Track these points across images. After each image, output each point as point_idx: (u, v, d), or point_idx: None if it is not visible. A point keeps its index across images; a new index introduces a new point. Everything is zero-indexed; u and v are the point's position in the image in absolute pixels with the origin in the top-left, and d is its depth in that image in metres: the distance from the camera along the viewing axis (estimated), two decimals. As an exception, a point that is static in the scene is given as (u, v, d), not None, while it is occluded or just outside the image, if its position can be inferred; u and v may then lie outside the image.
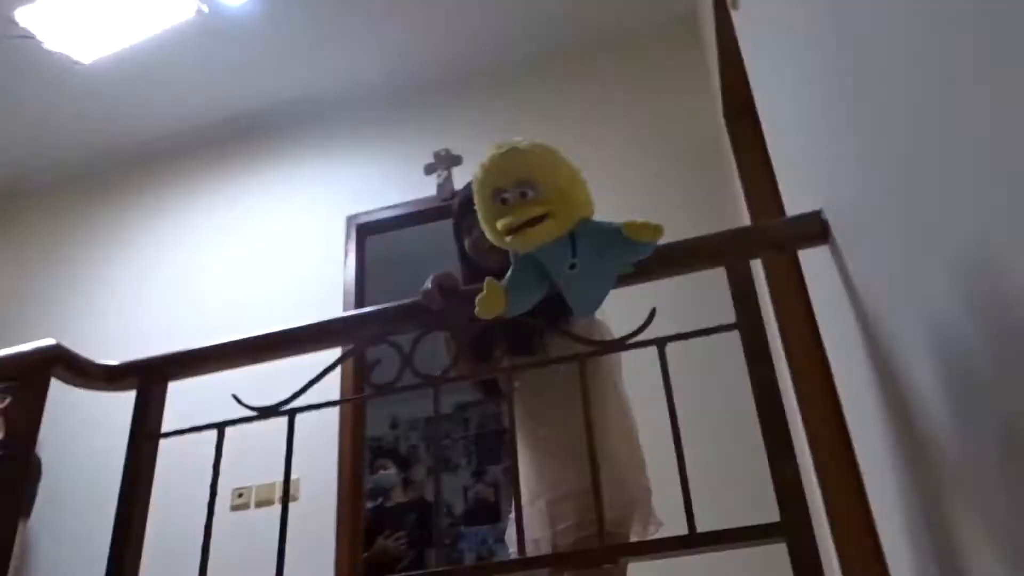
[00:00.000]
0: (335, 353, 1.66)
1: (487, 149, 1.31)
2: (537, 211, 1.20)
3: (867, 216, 1.22)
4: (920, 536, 1.25)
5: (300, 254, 3.77)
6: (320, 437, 3.24)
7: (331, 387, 3.20)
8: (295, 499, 3.19)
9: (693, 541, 1.28)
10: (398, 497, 4.66)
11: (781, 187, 1.94)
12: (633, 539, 1.52)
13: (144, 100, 4.00)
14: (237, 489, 3.25)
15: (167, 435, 1.66)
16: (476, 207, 1.28)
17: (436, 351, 1.72)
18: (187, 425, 1.64)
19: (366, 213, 3.75)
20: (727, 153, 3.28)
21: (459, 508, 7.07)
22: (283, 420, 1.63)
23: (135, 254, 4.11)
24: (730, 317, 1.39)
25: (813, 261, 1.67)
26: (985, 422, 0.85)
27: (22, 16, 3.22)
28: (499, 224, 1.22)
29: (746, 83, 2.89)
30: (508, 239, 1.23)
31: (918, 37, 0.86)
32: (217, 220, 4.03)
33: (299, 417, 1.77)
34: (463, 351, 1.53)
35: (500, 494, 7.06)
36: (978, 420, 0.87)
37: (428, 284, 1.56)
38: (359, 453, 3.25)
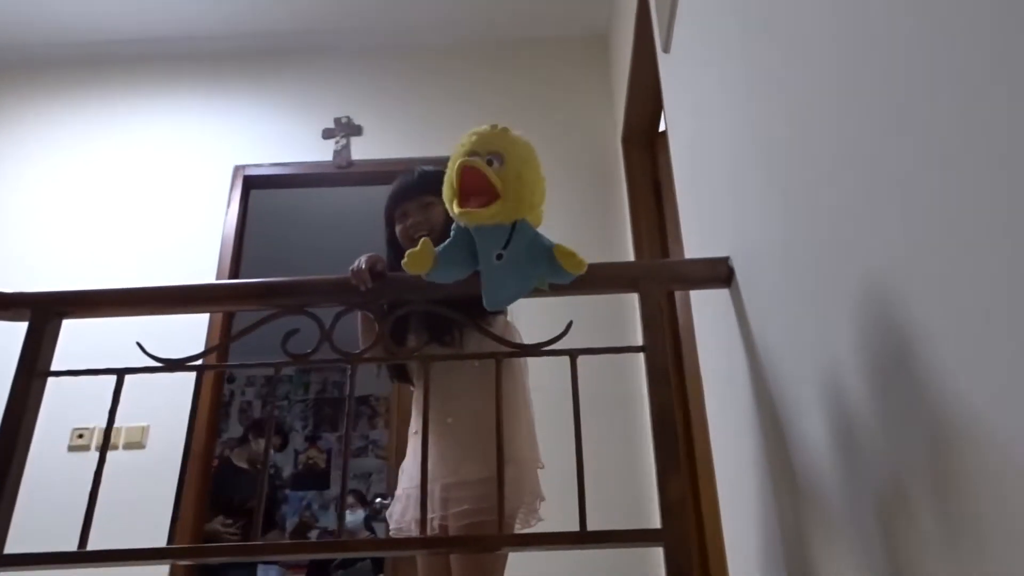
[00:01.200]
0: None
1: (426, 92, 1.39)
2: (495, 179, 1.28)
3: (768, 266, 1.40)
4: (774, 552, 1.45)
5: (181, 196, 3.59)
6: (173, 385, 3.13)
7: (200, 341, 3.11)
8: (142, 447, 3.08)
9: (585, 538, 1.42)
10: (239, 461, 4.56)
11: (683, 222, 2.12)
12: (518, 530, 1.64)
13: (23, 5, 3.65)
14: (77, 429, 3.09)
15: (58, 374, 1.60)
16: (448, 166, 1.34)
17: (347, 327, 1.76)
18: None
19: (255, 165, 3.63)
20: (619, 173, 3.48)
21: (287, 471, 6.99)
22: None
23: (17, 168, 3.75)
24: (623, 338, 1.55)
25: (706, 299, 1.86)
26: (858, 469, 1.03)
27: None
28: (457, 159, 1.29)
29: (651, 115, 3.10)
30: (457, 210, 1.30)
31: (839, 115, 1.02)
32: (95, 146, 3.74)
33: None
34: (382, 334, 1.58)
35: (331, 462, 7.04)
36: (852, 465, 1.05)
37: (360, 264, 1.60)
38: (215, 408, 3.18)
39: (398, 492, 1.78)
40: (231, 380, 7.17)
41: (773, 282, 1.38)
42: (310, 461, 7.05)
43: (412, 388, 1.83)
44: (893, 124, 0.87)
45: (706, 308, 1.86)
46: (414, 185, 1.82)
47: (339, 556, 3.82)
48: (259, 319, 1.62)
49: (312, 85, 3.89)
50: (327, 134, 3.68)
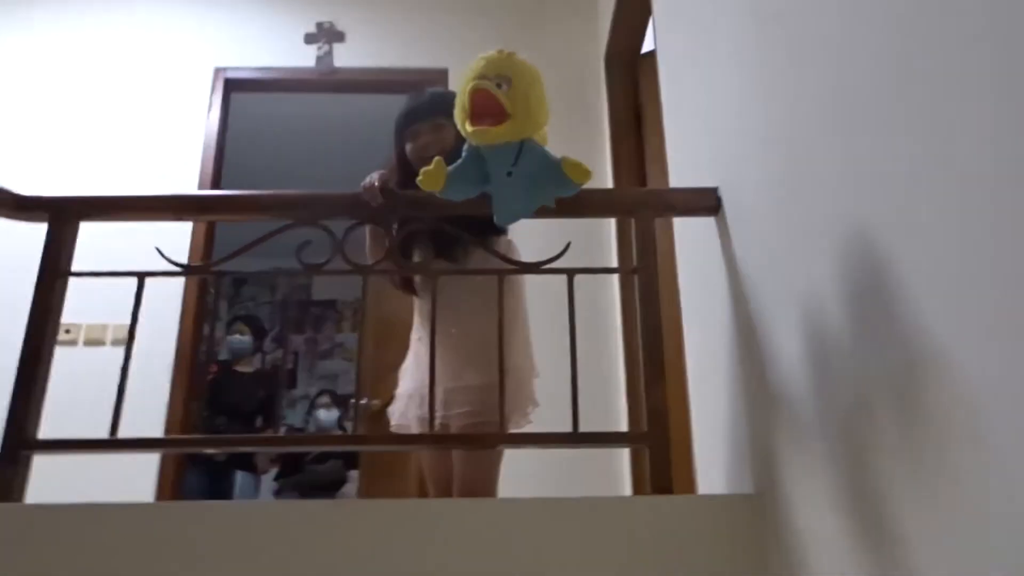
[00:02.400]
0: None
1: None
2: (504, 101, 1.38)
3: (758, 198, 1.52)
4: (740, 452, 1.62)
5: (160, 98, 3.52)
6: (165, 287, 3.20)
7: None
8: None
9: (578, 438, 1.58)
10: (245, 366, 4.67)
11: (669, 147, 2.21)
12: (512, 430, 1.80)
13: None
14: (64, 325, 3.13)
15: (80, 274, 1.68)
16: (459, 92, 1.43)
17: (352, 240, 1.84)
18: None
19: (236, 68, 3.59)
20: (599, 94, 3.52)
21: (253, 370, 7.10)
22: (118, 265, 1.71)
23: None
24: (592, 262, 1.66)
25: (688, 225, 1.98)
26: (828, 385, 1.18)
27: None
28: (468, 84, 1.39)
29: (636, 33, 3.13)
30: (469, 129, 1.41)
31: (836, 38, 1.12)
32: (74, 42, 3.62)
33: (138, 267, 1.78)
34: (391, 248, 1.68)
35: (299, 363, 7.17)
36: (823, 381, 1.20)
37: (371, 180, 1.68)
38: (202, 308, 3.26)
39: (399, 392, 1.92)
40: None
41: (762, 213, 1.50)
42: (277, 363, 7.15)
43: (416, 298, 1.94)
44: (894, 72, 0.98)
45: (688, 234, 1.99)
46: (426, 106, 1.89)
47: (341, 449, 3.97)
48: (276, 228, 1.70)
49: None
50: (309, 39, 3.64)
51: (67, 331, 3.14)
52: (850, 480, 1.11)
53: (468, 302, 1.77)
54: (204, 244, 3.19)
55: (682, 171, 2.07)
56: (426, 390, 1.64)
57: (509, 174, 1.47)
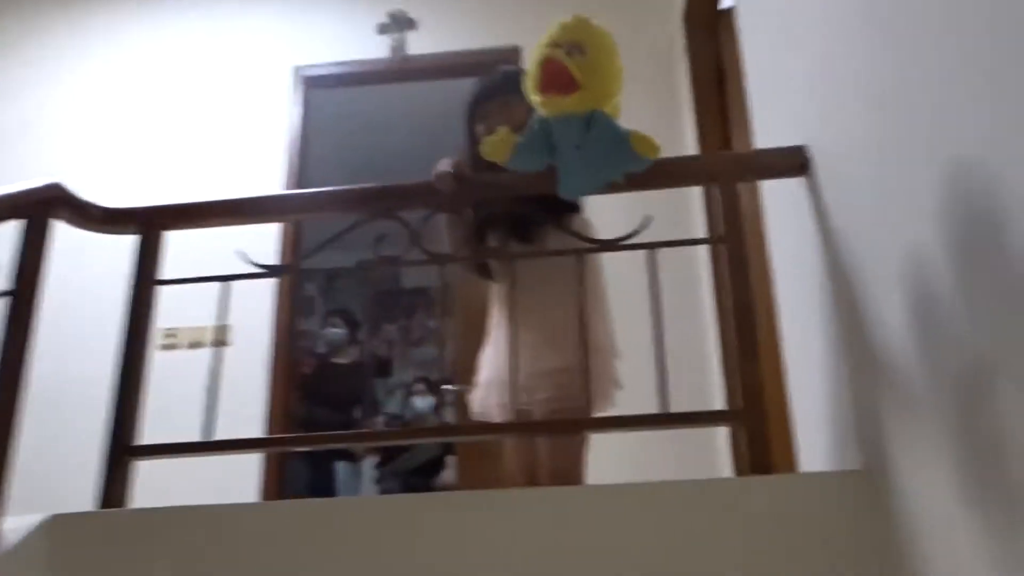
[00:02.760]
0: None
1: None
2: (575, 70, 1.33)
3: (849, 154, 1.41)
4: (844, 422, 1.52)
5: (242, 98, 3.62)
6: (255, 286, 3.28)
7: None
8: (228, 344, 3.26)
9: (669, 419, 1.52)
10: (342, 357, 4.81)
11: (754, 107, 2.09)
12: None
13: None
14: (166, 331, 3.27)
15: (170, 282, 1.72)
16: (531, 59, 1.39)
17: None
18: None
19: (313, 66, 3.64)
20: (678, 58, 3.40)
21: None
22: (214, 267, 1.71)
23: (69, 75, 3.81)
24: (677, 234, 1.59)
25: (776, 189, 1.87)
26: (940, 348, 1.08)
27: None
28: (540, 52, 1.35)
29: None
30: (537, 99, 1.36)
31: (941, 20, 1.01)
32: (158, 52, 3.77)
33: (233, 268, 1.81)
34: (466, 234, 1.65)
35: (394, 351, 7.31)
36: (934, 344, 1.10)
37: (443, 167, 1.65)
38: (293, 304, 3.33)
39: (480, 379, 1.89)
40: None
41: (855, 170, 1.39)
42: (373, 351, 7.32)
43: (495, 283, 1.91)
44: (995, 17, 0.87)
45: (777, 197, 1.88)
46: (496, 85, 1.85)
47: (438, 440, 4.01)
48: (350, 223, 1.70)
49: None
50: (382, 29, 3.65)
51: (170, 335, 3.28)
52: (969, 452, 1.01)
53: (545, 284, 1.72)
54: (293, 240, 3.25)
55: (768, 131, 1.96)
56: (506, 376, 1.61)
57: (577, 147, 1.42)
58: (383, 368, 7.26)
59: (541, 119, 1.44)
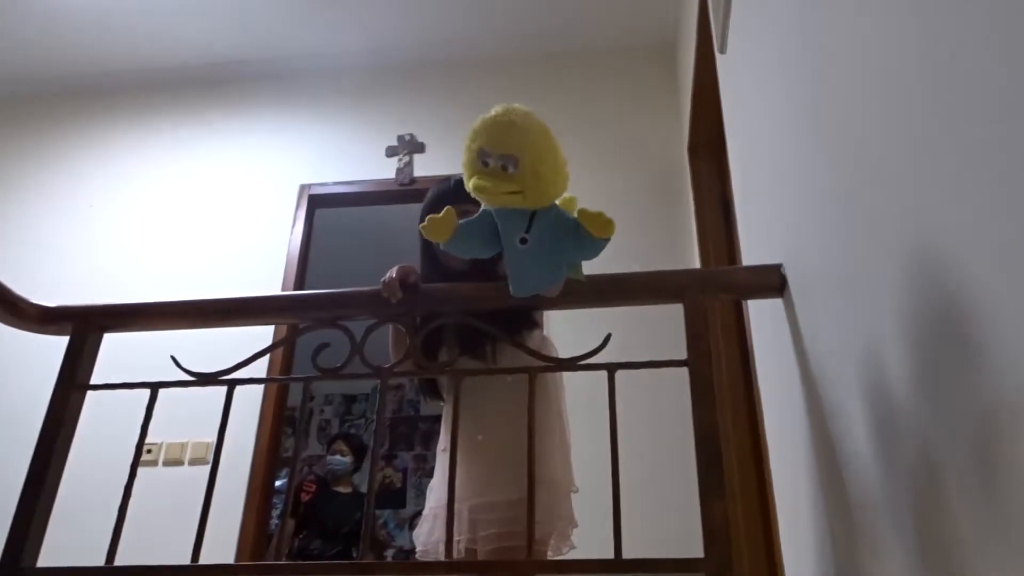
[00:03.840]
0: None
1: (491, 107, 1.31)
2: (510, 187, 1.23)
3: (823, 276, 1.28)
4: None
5: (248, 215, 3.68)
6: (241, 404, 3.17)
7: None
8: (206, 462, 3.11)
9: (618, 566, 1.32)
10: (345, 487, 4.62)
11: (740, 232, 2.00)
12: (551, 556, 1.55)
13: (103, 32, 3.83)
14: (146, 445, 3.15)
15: (95, 387, 1.61)
16: (463, 153, 1.28)
17: (381, 340, 1.71)
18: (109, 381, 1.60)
19: (320, 184, 3.68)
20: (685, 184, 3.36)
21: (363, 489, 7.03)
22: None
23: (76, 190, 3.92)
24: (672, 354, 1.44)
25: (762, 309, 1.74)
26: (904, 479, 0.90)
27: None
28: (472, 182, 1.25)
29: (716, 122, 2.96)
30: (473, 190, 1.25)
31: (892, 113, 0.91)
32: (166, 167, 3.89)
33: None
34: (412, 347, 1.52)
35: (407, 480, 7.05)
36: (902, 469, 0.92)
37: (391, 275, 1.55)
38: (278, 425, 3.20)
39: (425, 512, 1.72)
40: (311, 398, 7.29)
41: (826, 290, 1.26)
42: (386, 480, 7.07)
43: (442, 404, 1.77)
44: (941, 128, 0.76)
45: (762, 319, 1.74)
46: (451, 193, 1.77)
47: None
48: (291, 333, 1.60)
49: (375, 104, 3.93)
50: (390, 152, 3.70)
51: (148, 451, 3.16)
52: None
53: (496, 406, 1.57)
54: (284, 353, 3.16)
55: (751, 251, 1.85)
56: (463, 507, 1.44)
57: (523, 241, 1.30)
58: (395, 498, 6.99)
59: (486, 210, 1.34)
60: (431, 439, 7.13)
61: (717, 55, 2.30)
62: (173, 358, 1.59)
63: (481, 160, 1.24)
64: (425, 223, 1.30)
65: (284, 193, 3.68)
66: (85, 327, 1.62)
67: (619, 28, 3.80)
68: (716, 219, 2.91)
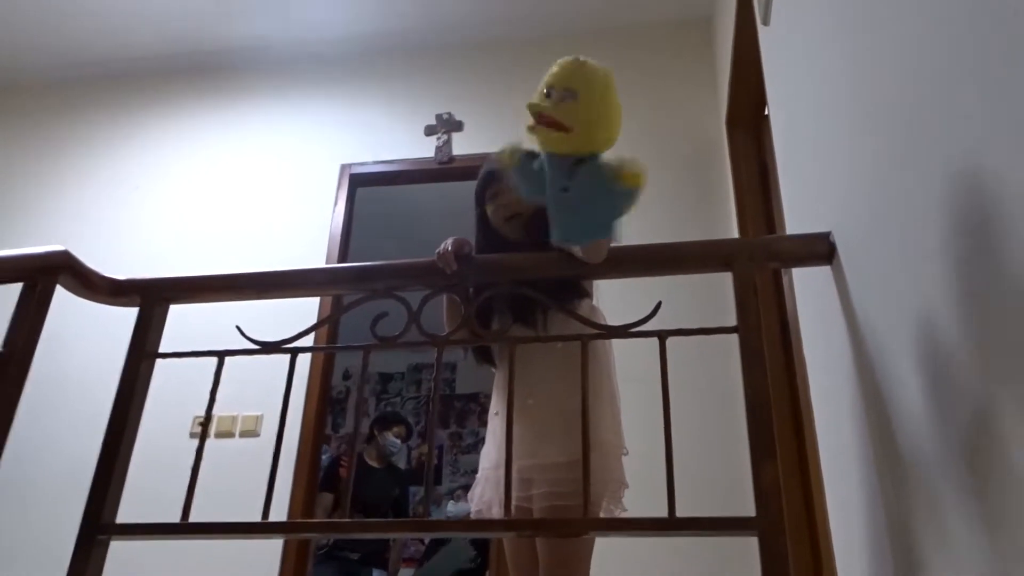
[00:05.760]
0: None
1: (527, 85, 1.36)
2: (563, 118, 1.26)
3: (872, 242, 1.30)
4: (880, 540, 1.34)
5: (291, 194, 3.76)
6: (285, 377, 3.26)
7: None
8: (256, 435, 3.22)
9: (673, 524, 1.36)
10: (369, 459, 4.69)
11: (785, 202, 2.01)
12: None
13: (156, 14, 3.92)
14: (198, 417, 3.26)
15: (165, 355, 1.68)
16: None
17: (433, 311, 1.76)
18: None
19: (360, 164, 3.74)
20: (723, 156, 3.36)
21: (401, 466, 7.15)
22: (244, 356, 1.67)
23: (130, 170, 4.04)
24: (717, 322, 1.47)
25: (808, 277, 1.76)
26: (959, 435, 0.93)
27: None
28: (532, 101, 1.28)
29: (756, 95, 2.97)
30: (530, 124, 1.29)
31: (941, 78, 0.93)
32: (215, 147, 3.99)
33: (267, 356, 1.78)
34: (467, 316, 1.57)
35: (443, 458, 7.16)
36: (954, 431, 0.95)
37: (445, 246, 1.60)
38: (324, 397, 3.28)
39: (478, 475, 1.77)
40: (346, 377, 7.41)
41: (876, 257, 1.28)
42: (422, 457, 7.19)
43: (494, 370, 1.82)
44: (993, 93, 0.78)
45: (807, 287, 1.76)
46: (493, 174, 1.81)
47: (427, 536, 3.82)
48: (349, 303, 1.65)
49: (414, 84, 3.97)
50: (429, 131, 3.75)
51: (200, 423, 3.25)
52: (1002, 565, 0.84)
53: (547, 371, 1.61)
54: (329, 329, 3.23)
55: (797, 220, 1.86)
56: (503, 470, 1.48)
57: (564, 189, 1.32)
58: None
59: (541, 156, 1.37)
60: (466, 417, 7.23)
61: (760, 27, 2.30)
62: (238, 328, 1.65)
63: (545, 91, 1.28)
64: (499, 152, 1.35)
65: (326, 173, 3.74)
66: (153, 299, 1.69)
67: (655, 2, 3.80)
68: (754, 191, 2.93)
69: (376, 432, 4.74)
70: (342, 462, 4.96)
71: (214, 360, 1.68)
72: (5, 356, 1.49)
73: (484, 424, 7.72)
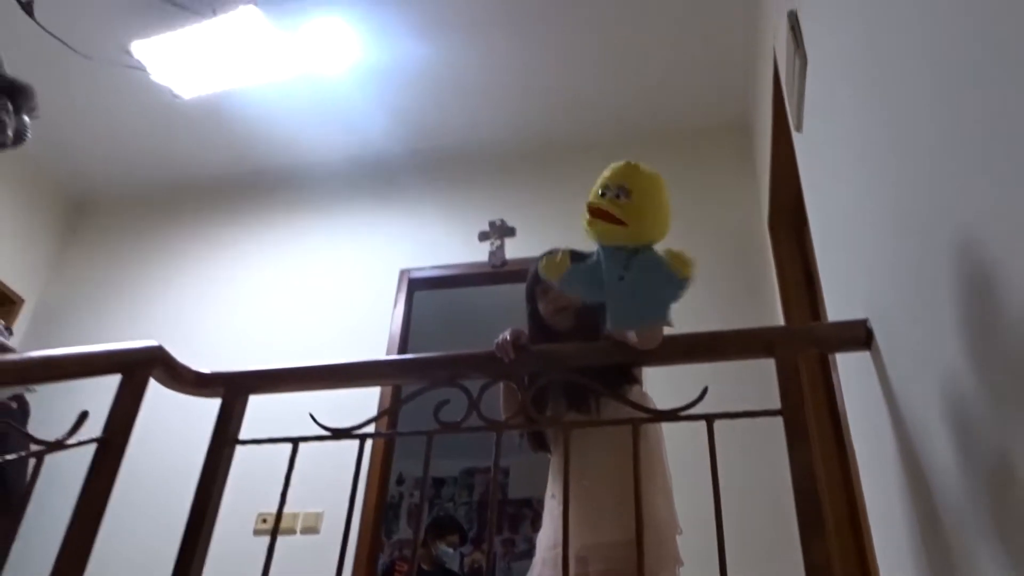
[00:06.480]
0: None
1: (576, 191, 1.50)
2: (618, 212, 1.38)
3: (905, 325, 1.38)
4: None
5: (355, 297, 3.98)
6: (345, 474, 3.35)
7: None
8: (316, 531, 3.29)
9: (725, 602, 1.40)
10: (424, 563, 4.69)
11: (825, 295, 2.10)
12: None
13: (234, 137, 4.31)
14: (262, 514, 3.35)
15: (245, 442, 1.81)
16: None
17: (492, 400, 1.86)
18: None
19: (418, 268, 3.95)
20: (767, 256, 3.47)
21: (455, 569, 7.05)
22: (307, 453, 1.78)
23: (213, 274, 4.38)
24: (764, 404, 1.55)
25: (850, 361, 1.83)
26: (1005, 519, 0.99)
27: (137, 49, 3.51)
28: (589, 199, 1.41)
29: (795, 194, 3.10)
30: (586, 218, 1.41)
31: (955, 179, 1.04)
32: (285, 254, 4.29)
33: (326, 453, 1.87)
34: (524, 402, 1.67)
35: (495, 563, 7.04)
36: (993, 514, 1.01)
37: (504, 336, 1.72)
38: (383, 494, 3.35)
39: (535, 559, 1.82)
40: (400, 482, 7.44)
41: (909, 338, 1.36)
42: (475, 565, 7.09)
43: (549, 455, 1.90)
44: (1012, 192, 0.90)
45: (850, 368, 1.83)
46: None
47: None
48: (413, 391, 1.77)
49: (468, 192, 4.23)
50: (482, 236, 3.95)
51: (264, 520, 3.35)
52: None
53: (600, 453, 1.69)
54: (389, 422, 3.34)
55: (837, 310, 1.95)
56: (560, 550, 1.54)
57: (621, 278, 1.43)
58: (482, 581, 6.99)
59: (597, 250, 1.48)
60: (519, 523, 7.15)
61: (793, 132, 2.45)
62: (311, 416, 1.78)
63: (600, 190, 1.41)
64: (543, 263, 1.46)
65: (386, 277, 3.96)
66: (235, 390, 1.84)
67: (696, 110, 4.01)
68: (799, 282, 3.01)
69: (430, 540, 4.75)
70: (397, 567, 4.96)
71: (277, 457, 1.79)
72: (106, 440, 1.63)
73: (535, 530, 7.59)
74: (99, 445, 1.62)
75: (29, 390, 1.81)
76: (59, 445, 1.57)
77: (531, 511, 7.11)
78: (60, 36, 3.28)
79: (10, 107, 1.83)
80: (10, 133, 1.83)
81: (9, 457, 1.72)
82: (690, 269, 1.38)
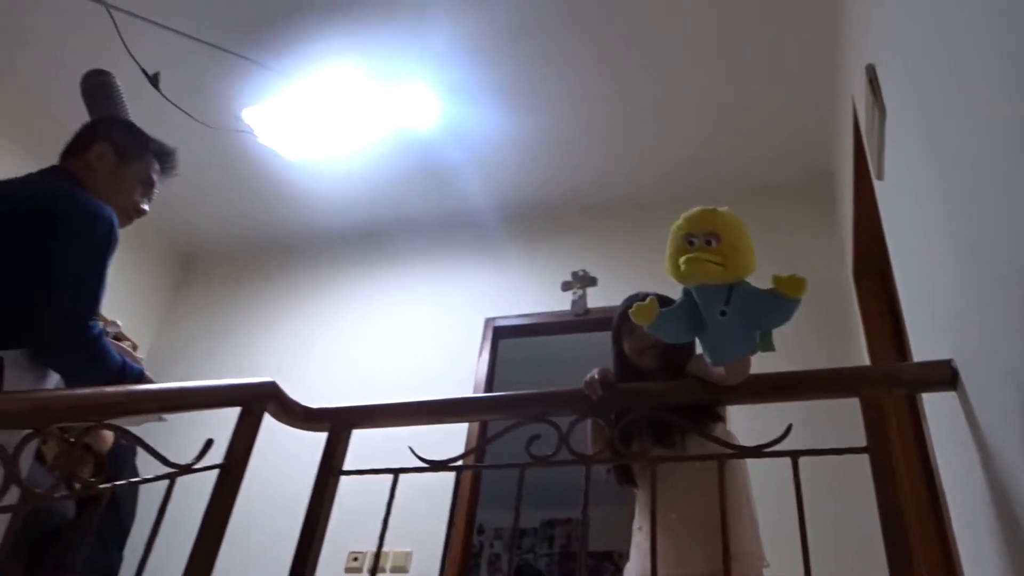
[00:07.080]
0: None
1: (656, 242, 1.55)
2: (715, 258, 1.42)
3: (990, 365, 1.40)
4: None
5: (443, 343, 4.15)
6: (434, 515, 3.46)
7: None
8: (405, 571, 3.38)
9: (812, 633, 1.43)
10: None
11: (910, 335, 2.12)
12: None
13: (334, 194, 4.60)
14: (353, 552, 3.47)
15: (348, 473, 1.94)
16: (668, 246, 1.50)
17: (579, 438, 1.94)
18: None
19: (503, 317, 4.09)
20: (852, 305, 3.46)
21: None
22: (403, 491, 1.86)
23: (320, 319, 4.67)
24: (850, 442, 1.58)
25: (937, 401, 1.84)
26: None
27: (248, 114, 3.82)
28: (682, 260, 1.43)
29: (878, 244, 3.11)
30: (682, 264, 1.43)
31: None
32: (380, 303, 4.55)
33: (414, 493, 1.95)
34: (612, 438, 1.75)
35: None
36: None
37: (592, 375, 1.81)
38: (469, 533, 3.43)
39: None
40: (480, 532, 7.47)
41: (994, 377, 1.39)
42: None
43: (635, 490, 1.96)
44: None
45: (935, 410, 1.84)
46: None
47: None
48: (506, 427, 1.87)
49: (551, 243, 4.37)
50: (565, 286, 4.07)
51: (355, 558, 3.47)
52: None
53: (686, 487, 1.75)
54: (478, 439, 3.44)
55: (924, 353, 1.96)
56: (661, 578, 1.60)
57: (723, 313, 1.47)
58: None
59: (686, 294, 1.53)
60: (600, 576, 7.07)
61: (875, 181, 2.49)
62: (411, 448, 1.90)
63: (687, 241, 1.46)
64: (633, 309, 1.54)
65: (472, 325, 4.12)
66: (341, 424, 1.97)
67: (779, 164, 4.06)
68: (885, 334, 3.00)
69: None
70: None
71: (367, 496, 1.92)
72: (227, 467, 1.78)
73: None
74: (221, 471, 1.77)
75: (161, 419, 1.98)
76: (187, 469, 1.72)
77: (611, 564, 7.03)
78: (179, 104, 3.60)
79: (158, 167, 2.06)
80: (156, 190, 2.06)
81: (134, 480, 1.89)
82: (802, 289, 1.42)
